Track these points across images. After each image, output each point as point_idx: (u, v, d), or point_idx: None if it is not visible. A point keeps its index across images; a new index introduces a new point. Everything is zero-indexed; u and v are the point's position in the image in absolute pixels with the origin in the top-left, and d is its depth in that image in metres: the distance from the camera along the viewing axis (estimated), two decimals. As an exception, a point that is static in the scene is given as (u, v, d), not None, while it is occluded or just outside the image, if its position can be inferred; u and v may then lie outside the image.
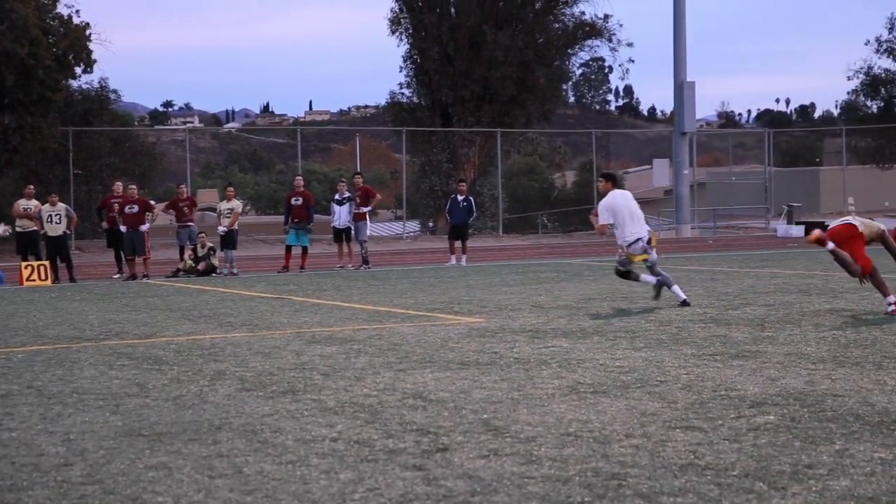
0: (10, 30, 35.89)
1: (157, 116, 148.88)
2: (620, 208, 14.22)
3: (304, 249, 25.68)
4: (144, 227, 24.42)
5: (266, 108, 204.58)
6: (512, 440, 6.29)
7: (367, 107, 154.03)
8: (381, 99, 71.41)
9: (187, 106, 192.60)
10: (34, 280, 23.20)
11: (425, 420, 6.96)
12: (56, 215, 24.22)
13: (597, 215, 14.40)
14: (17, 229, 24.62)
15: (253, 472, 5.73)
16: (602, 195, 14.54)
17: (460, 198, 27.20)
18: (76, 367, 9.88)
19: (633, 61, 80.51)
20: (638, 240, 14.20)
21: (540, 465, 5.70)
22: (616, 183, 14.81)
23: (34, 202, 24.67)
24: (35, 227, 24.16)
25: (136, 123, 70.25)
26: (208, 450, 6.26)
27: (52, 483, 5.62)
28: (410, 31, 50.93)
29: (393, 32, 51.36)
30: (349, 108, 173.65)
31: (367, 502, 5.13)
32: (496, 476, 5.50)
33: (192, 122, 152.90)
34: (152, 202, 26.43)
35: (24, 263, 23.88)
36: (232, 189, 27.00)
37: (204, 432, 6.75)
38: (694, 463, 5.64)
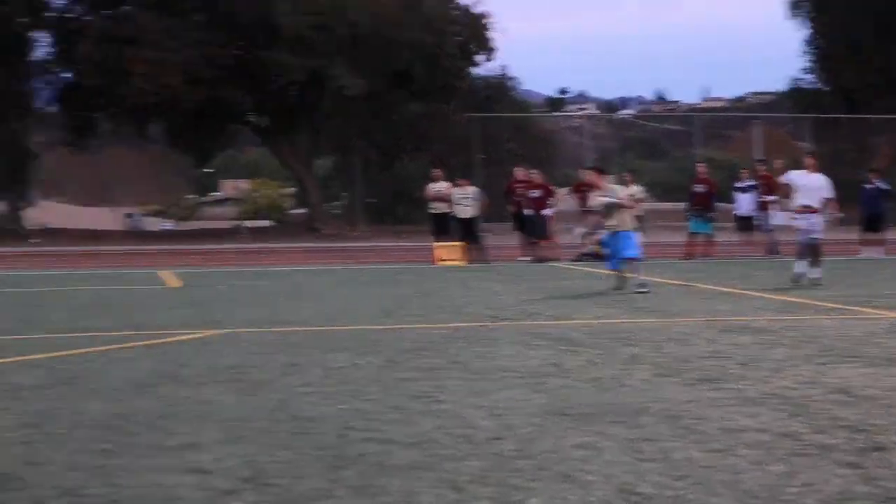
0: (420, 21, 37.85)
1: (554, 104, 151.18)
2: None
3: (708, 237, 25.37)
4: (548, 212, 25.00)
5: (660, 95, 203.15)
6: (956, 444, 5.88)
7: (764, 93, 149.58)
8: (778, 85, 69.12)
9: (581, 94, 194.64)
10: (447, 260, 24.30)
11: (856, 417, 6.65)
12: (465, 198, 25.26)
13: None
14: (431, 211, 25.87)
15: (680, 458, 5.68)
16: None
17: (870, 187, 26.01)
18: (495, 344, 10.22)
19: None
20: None
21: None
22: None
23: (443, 184, 25.86)
24: (447, 210, 25.33)
25: (532, 111, 71.97)
26: (632, 433, 6.28)
27: (487, 455, 5.82)
28: (812, 15, 49.06)
29: (793, 16, 49.69)
30: (745, 95, 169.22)
31: (804, 497, 4.96)
32: (943, 481, 5.16)
33: (586, 109, 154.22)
34: (553, 187, 27.01)
35: (437, 244, 25.10)
36: (629, 174, 27.10)
37: (626, 415, 6.79)
38: None
